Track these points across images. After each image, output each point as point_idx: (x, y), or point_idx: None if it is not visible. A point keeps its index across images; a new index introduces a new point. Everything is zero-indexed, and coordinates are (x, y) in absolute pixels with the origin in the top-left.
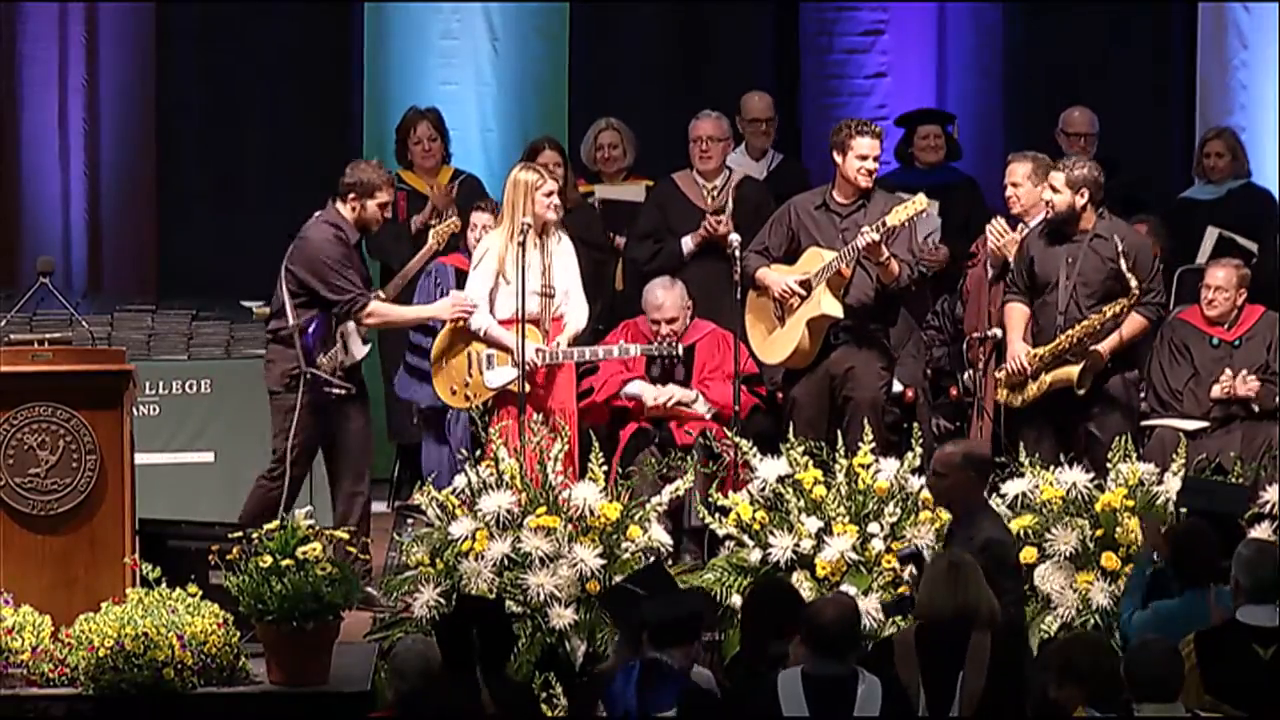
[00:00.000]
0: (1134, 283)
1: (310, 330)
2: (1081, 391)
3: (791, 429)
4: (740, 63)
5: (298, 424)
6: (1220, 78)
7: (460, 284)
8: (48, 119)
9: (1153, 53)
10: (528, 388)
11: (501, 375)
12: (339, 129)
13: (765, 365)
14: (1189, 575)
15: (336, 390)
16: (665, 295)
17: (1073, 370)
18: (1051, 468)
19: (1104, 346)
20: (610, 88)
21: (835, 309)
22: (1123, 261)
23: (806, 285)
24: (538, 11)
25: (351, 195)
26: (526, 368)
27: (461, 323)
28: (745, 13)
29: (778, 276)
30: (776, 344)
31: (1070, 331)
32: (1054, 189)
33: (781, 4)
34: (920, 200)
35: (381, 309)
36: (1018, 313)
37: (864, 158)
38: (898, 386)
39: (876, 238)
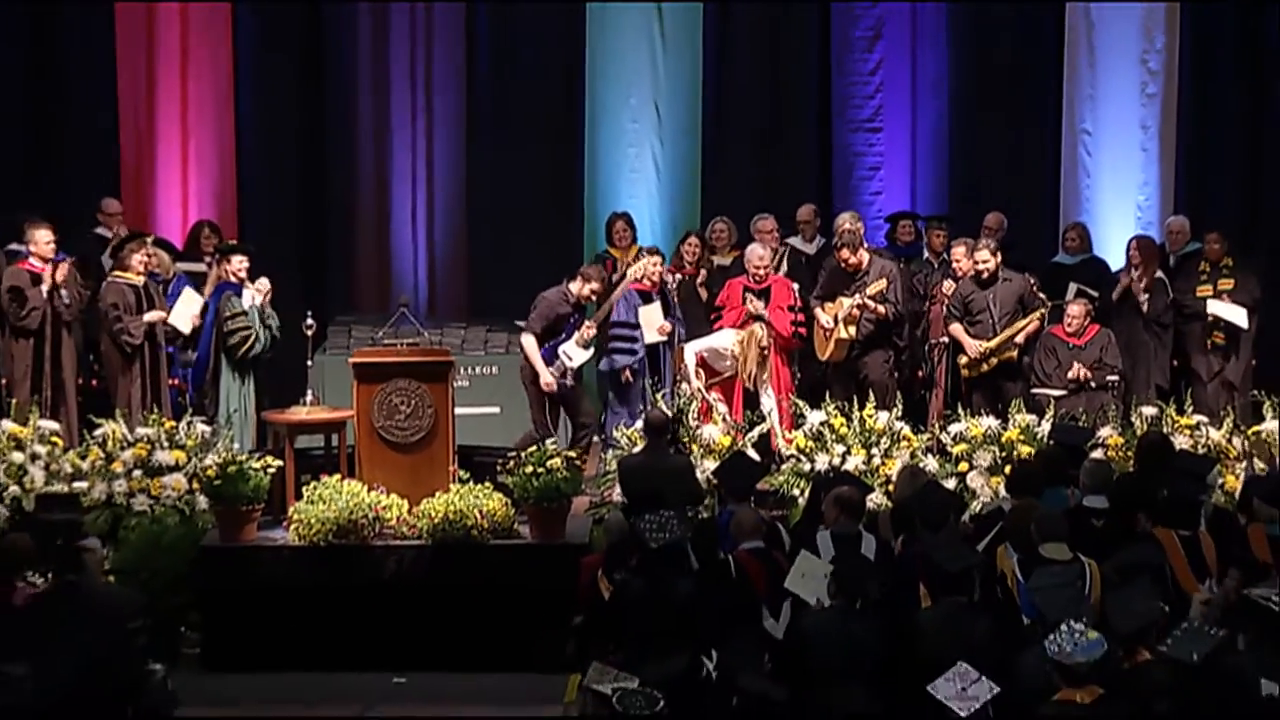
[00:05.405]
0: (1039, 302)
1: (544, 350)
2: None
3: (829, 394)
4: (801, 184)
5: (550, 402)
6: (1074, 190)
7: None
8: (405, 211)
9: (1036, 174)
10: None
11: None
12: (570, 222)
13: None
14: (1051, 479)
15: (566, 381)
16: (763, 251)
17: (1013, 354)
18: (982, 413)
19: (1019, 340)
20: (724, 198)
21: (850, 333)
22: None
23: (836, 320)
24: (684, 149)
25: (582, 279)
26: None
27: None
28: (804, 153)
29: (826, 317)
30: (826, 349)
31: (1005, 333)
32: (988, 255)
33: (823, 148)
34: (881, 283)
35: (526, 343)
36: (960, 328)
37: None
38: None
39: (859, 302)
